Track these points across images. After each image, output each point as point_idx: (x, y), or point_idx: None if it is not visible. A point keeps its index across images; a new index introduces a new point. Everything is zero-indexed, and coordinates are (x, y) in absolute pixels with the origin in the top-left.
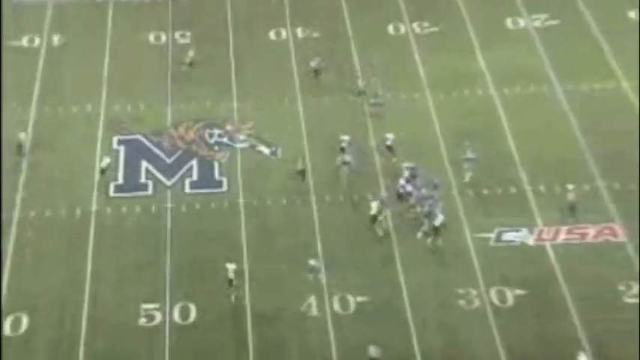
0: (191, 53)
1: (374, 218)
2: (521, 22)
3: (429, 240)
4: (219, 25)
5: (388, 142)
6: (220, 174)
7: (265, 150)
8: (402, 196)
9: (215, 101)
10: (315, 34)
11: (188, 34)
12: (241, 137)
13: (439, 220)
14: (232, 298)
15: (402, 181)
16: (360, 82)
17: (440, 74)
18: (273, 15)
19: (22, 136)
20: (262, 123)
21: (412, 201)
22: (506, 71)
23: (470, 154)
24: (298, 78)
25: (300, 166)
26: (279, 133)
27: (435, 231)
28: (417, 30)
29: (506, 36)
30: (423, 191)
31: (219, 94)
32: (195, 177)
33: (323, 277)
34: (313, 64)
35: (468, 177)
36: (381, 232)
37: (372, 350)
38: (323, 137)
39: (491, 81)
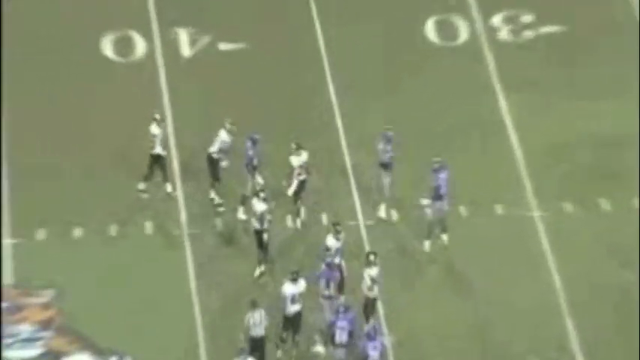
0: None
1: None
2: None
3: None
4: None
5: None
6: None
7: None
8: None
9: None
10: (239, 46)
11: None
12: (26, 329)
13: None
14: None
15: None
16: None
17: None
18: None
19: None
20: (87, 289)
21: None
22: None
23: None
24: (179, 160)
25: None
26: (131, 321)
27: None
28: (503, 33)
29: None
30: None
31: None
32: None
33: None
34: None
35: None
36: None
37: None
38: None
39: None
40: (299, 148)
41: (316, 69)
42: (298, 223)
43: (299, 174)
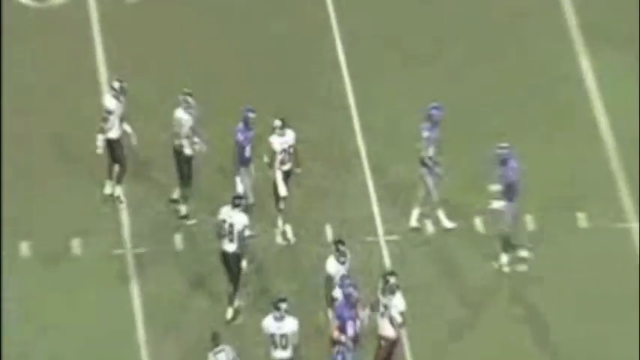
0: None
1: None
2: None
3: None
4: None
5: None
6: None
7: None
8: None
9: None
10: None
11: None
12: None
13: None
14: None
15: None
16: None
17: None
18: None
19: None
20: None
21: None
22: None
23: None
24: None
25: None
26: None
27: None
28: None
29: None
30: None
31: None
32: None
33: None
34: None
35: None
36: None
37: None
38: None
39: None
40: (284, 126)
41: (319, 18)
42: (289, 234)
43: (282, 162)
